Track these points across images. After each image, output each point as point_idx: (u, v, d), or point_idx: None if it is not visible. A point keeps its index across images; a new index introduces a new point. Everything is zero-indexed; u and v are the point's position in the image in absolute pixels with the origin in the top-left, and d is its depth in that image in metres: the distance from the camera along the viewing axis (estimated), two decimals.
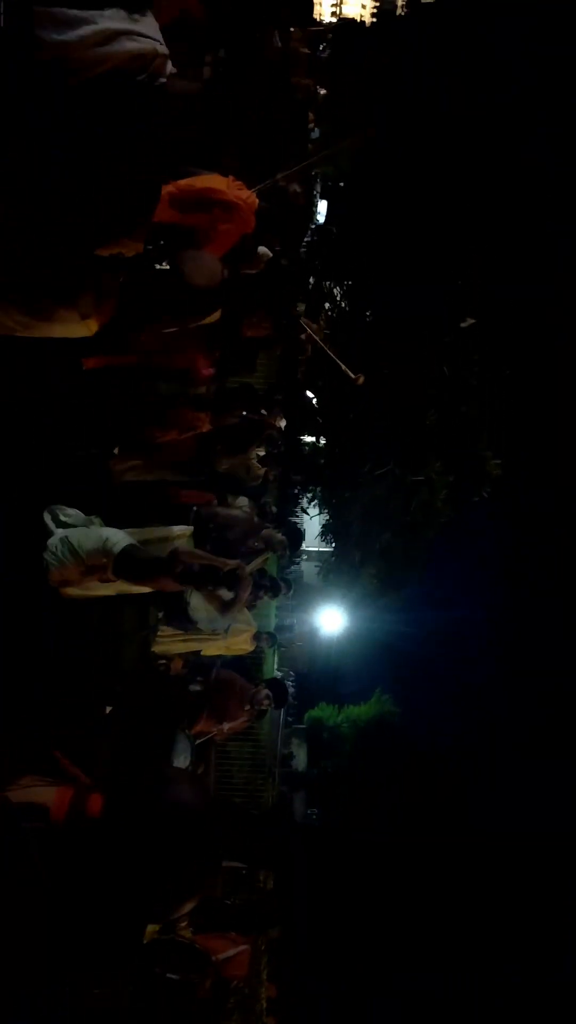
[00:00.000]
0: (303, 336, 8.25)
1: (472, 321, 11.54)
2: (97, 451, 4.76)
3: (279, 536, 6.16)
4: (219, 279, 3.58)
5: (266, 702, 5.41)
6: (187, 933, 5.24)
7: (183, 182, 3.65)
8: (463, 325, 11.54)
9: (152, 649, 5.23)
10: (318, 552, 17.70)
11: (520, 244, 12.39)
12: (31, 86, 2.54)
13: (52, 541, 3.64)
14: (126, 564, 3.62)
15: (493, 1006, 18.91)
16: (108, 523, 4.24)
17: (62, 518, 3.79)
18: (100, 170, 2.77)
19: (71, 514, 3.85)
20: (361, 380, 7.37)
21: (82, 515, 3.88)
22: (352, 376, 7.22)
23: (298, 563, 18.56)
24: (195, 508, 5.33)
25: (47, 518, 3.77)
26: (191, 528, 5.20)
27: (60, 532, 3.69)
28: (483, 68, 10.92)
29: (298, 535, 6.45)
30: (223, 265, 3.64)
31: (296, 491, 14.12)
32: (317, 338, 8.01)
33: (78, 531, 3.69)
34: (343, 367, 7.14)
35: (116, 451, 4.94)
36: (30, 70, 2.52)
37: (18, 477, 3.86)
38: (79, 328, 3.13)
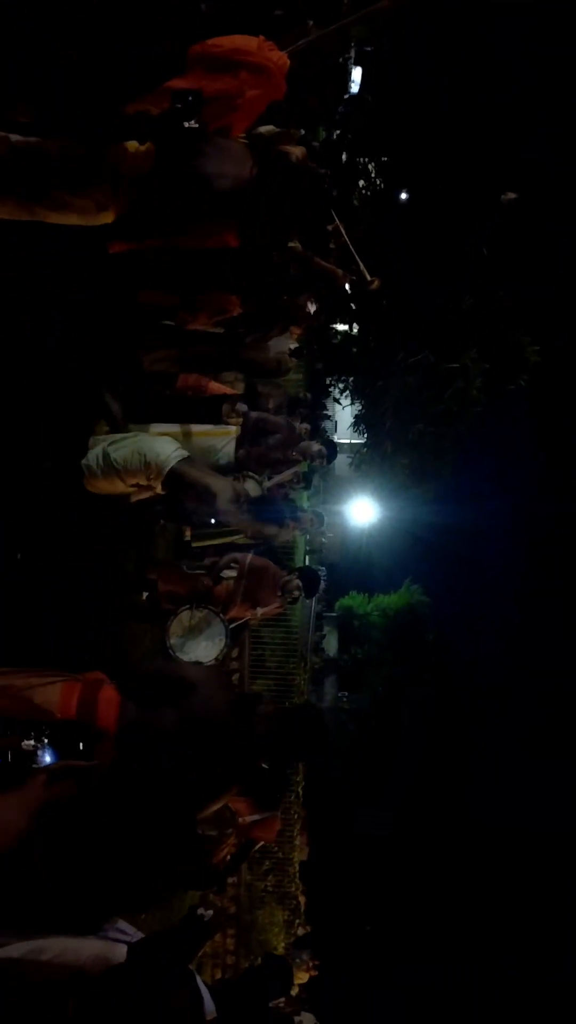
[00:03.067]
0: (330, 228, 7.86)
1: (513, 196, 10.89)
2: (127, 340, 4.67)
3: (316, 446, 6.13)
4: (247, 177, 3.27)
5: (296, 591, 5.50)
6: None
7: (210, 41, 3.38)
8: (504, 200, 10.90)
9: (186, 539, 5.31)
10: (350, 444, 17.59)
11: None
12: None
13: (93, 452, 3.68)
14: (177, 481, 3.62)
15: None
16: (137, 416, 4.20)
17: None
18: (124, 32, 2.60)
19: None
20: (376, 284, 7.09)
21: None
22: (368, 279, 6.93)
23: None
24: (245, 411, 5.29)
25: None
26: (230, 430, 5.18)
27: (102, 445, 3.70)
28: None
29: (334, 448, 6.47)
30: (252, 160, 3.34)
31: (328, 381, 13.88)
32: (343, 234, 7.63)
33: (123, 445, 3.68)
34: (361, 267, 6.83)
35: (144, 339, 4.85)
36: None
37: (46, 367, 3.81)
38: (96, 218, 3.02)
